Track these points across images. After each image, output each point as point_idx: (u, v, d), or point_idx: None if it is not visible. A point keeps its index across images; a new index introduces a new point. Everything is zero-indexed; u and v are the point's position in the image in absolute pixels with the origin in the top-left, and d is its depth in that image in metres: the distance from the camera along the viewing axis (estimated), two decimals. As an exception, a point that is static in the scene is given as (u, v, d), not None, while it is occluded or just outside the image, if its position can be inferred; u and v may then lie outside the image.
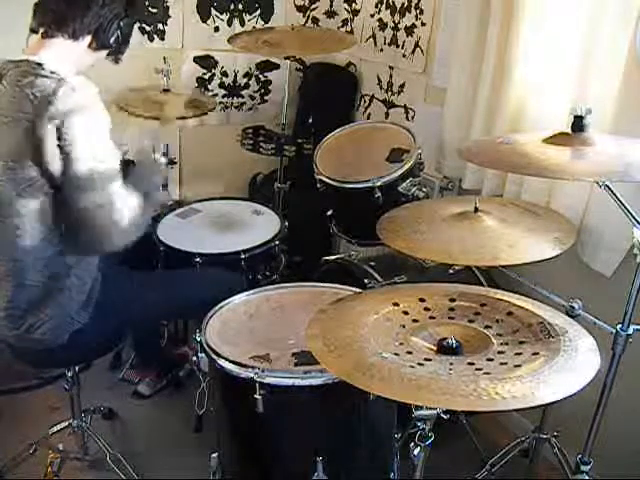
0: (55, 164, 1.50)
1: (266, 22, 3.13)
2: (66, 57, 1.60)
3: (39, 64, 1.52)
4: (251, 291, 1.76)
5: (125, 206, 1.57)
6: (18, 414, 2.33)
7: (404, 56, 2.80)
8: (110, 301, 1.73)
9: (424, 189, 2.10)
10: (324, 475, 1.44)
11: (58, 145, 1.48)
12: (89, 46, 1.64)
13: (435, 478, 1.35)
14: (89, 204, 1.53)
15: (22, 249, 1.58)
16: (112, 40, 1.65)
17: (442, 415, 1.18)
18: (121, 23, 1.65)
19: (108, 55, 1.71)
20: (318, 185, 2.21)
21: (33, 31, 1.63)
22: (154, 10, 2.84)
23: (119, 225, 1.56)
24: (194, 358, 1.56)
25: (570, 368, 1.07)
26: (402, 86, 2.86)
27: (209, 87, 3.10)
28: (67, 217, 1.57)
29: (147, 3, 2.80)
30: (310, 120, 2.92)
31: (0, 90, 1.53)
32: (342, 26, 3.21)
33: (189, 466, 2.01)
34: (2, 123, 1.51)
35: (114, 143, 1.59)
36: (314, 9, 3.24)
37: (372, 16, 2.96)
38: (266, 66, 3.20)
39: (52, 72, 1.51)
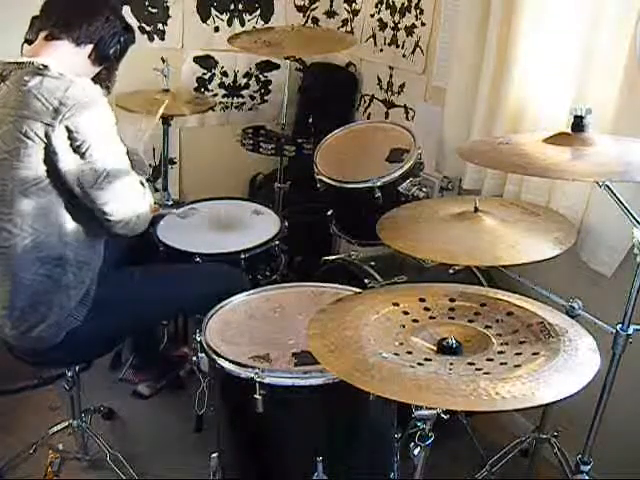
0: (68, 164, 1.52)
1: (266, 22, 3.12)
2: (68, 63, 1.61)
3: (45, 66, 1.53)
4: (251, 291, 1.76)
5: (144, 194, 1.74)
6: (18, 414, 2.33)
7: (404, 56, 2.79)
8: (109, 298, 1.73)
9: (424, 189, 2.10)
10: (324, 475, 1.44)
11: (71, 145, 1.50)
12: (89, 57, 1.67)
13: (435, 478, 1.35)
14: (111, 199, 1.60)
15: (23, 248, 1.58)
16: (111, 52, 1.69)
17: (442, 415, 1.18)
18: (121, 39, 1.70)
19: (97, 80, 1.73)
20: (318, 185, 2.20)
21: (34, 32, 1.64)
22: (154, 10, 2.83)
23: (141, 213, 1.71)
24: (194, 358, 1.56)
25: (570, 368, 1.07)
26: (402, 86, 2.86)
27: (209, 87, 3.09)
28: (84, 215, 1.62)
29: (147, 3, 2.80)
30: (310, 120, 2.91)
31: (4, 90, 1.54)
32: (342, 26, 3.21)
33: (189, 466, 2.01)
34: (8, 122, 1.51)
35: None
36: (314, 9, 3.24)
37: (372, 16, 2.96)
38: (266, 66, 3.20)
39: (60, 74, 1.52)
